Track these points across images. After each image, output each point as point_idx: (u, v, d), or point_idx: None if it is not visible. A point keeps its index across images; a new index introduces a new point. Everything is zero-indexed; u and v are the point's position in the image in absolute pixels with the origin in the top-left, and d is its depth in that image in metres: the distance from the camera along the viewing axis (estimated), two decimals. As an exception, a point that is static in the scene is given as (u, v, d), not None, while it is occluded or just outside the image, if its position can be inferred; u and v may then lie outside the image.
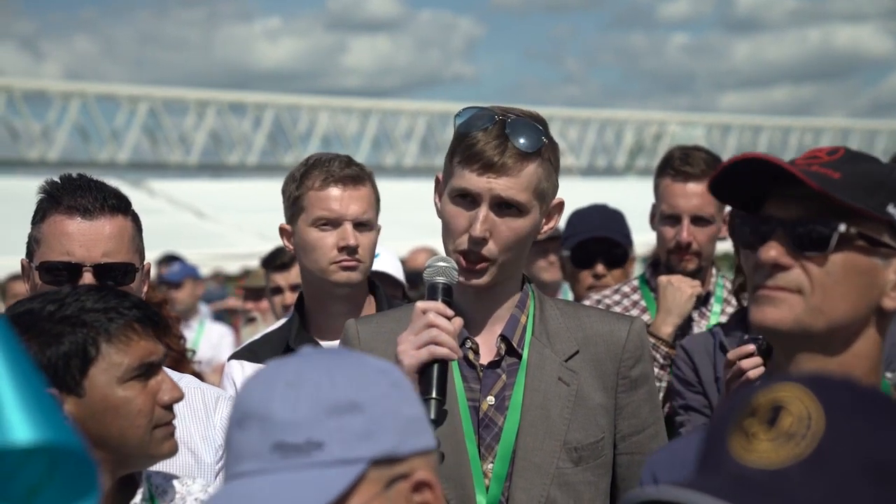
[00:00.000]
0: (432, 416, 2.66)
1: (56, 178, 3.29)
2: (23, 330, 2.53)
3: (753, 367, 3.30)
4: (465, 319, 2.87)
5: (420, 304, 2.78)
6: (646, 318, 4.58)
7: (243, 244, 17.33)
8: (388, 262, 4.92)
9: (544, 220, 2.97)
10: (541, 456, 2.89)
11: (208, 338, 9.59)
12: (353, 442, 1.54)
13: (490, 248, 2.88)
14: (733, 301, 4.54)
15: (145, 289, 3.30)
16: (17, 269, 3.41)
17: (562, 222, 5.52)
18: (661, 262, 4.69)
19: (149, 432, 2.58)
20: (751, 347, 3.35)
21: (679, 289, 4.48)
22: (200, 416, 3.26)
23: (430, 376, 2.71)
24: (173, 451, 2.65)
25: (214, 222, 19.54)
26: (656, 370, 4.28)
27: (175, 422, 2.66)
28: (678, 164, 4.60)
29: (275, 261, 6.49)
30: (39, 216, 3.27)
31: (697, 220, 4.58)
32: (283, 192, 4.07)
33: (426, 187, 3.05)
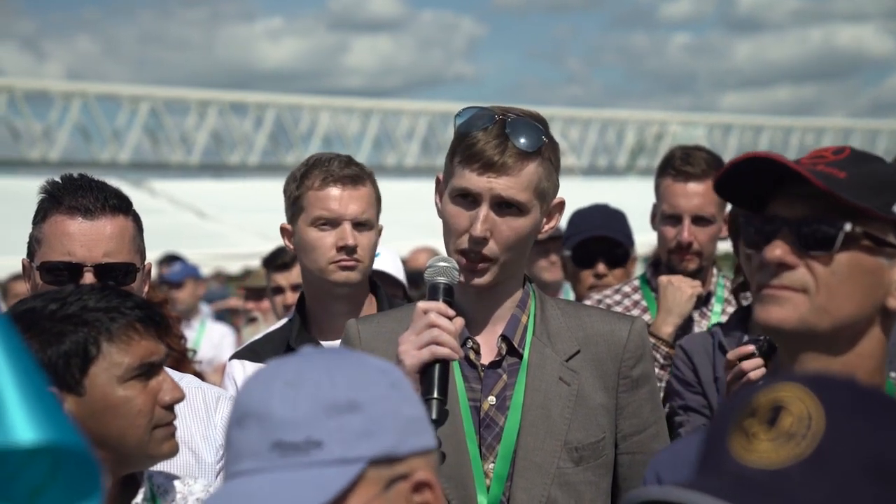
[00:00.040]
0: (434, 417, 2.66)
1: (57, 178, 3.29)
2: (24, 328, 2.53)
3: (755, 368, 3.30)
4: (466, 319, 2.87)
5: (421, 305, 2.78)
6: (647, 317, 4.58)
7: (244, 244, 17.31)
8: (388, 261, 4.92)
9: (545, 220, 2.97)
10: (542, 456, 2.89)
11: (209, 338, 9.60)
12: (353, 441, 1.54)
13: (491, 248, 2.88)
14: (734, 301, 4.54)
15: (146, 289, 3.30)
16: (19, 268, 3.41)
17: (563, 222, 5.52)
18: (662, 262, 4.69)
19: (148, 432, 2.58)
20: (750, 348, 3.35)
21: (679, 289, 4.48)
22: (201, 416, 3.26)
23: (431, 376, 2.71)
24: (174, 452, 2.64)
25: (216, 222, 19.53)
26: (657, 370, 4.28)
27: (176, 422, 2.66)
28: (679, 163, 4.60)
29: (276, 261, 6.49)
30: (40, 216, 3.27)
31: (698, 220, 4.58)
32: (285, 191, 4.08)
33: (427, 187, 3.05)
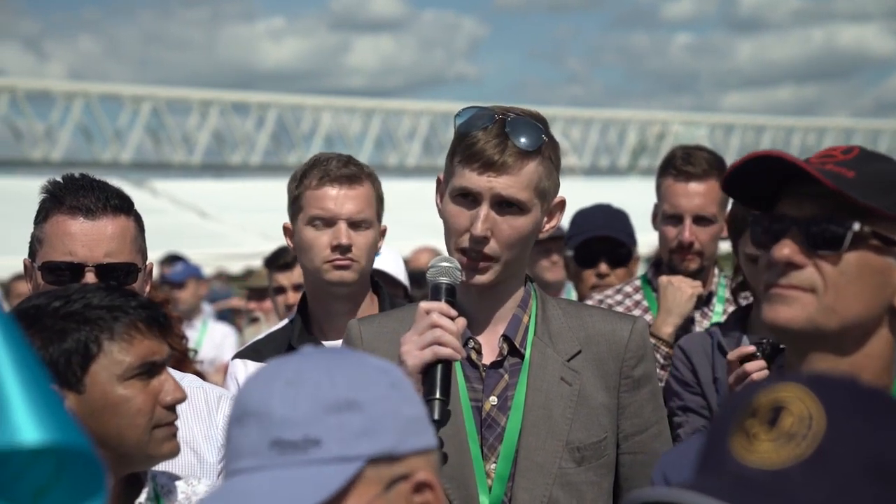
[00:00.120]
0: (436, 417, 2.66)
1: (58, 178, 3.30)
2: (28, 325, 2.54)
3: (758, 370, 3.29)
4: (468, 319, 2.87)
5: (423, 305, 2.79)
6: (648, 317, 4.58)
7: (246, 244, 17.32)
8: (389, 261, 4.92)
9: (546, 219, 2.97)
10: (543, 456, 2.89)
11: (211, 337, 9.60)
12: (352, 440, 1.54)
13: (492, 247, 2.88)
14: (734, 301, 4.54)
15: (147, 289, 3.31)
16: (21, 268, 3.41)
17: (566, 222, 5.52)
18: (664, 262, 4.69)
19: (148, 432, 2.58)
20: (751, 348, 3.35)
21: (679, 289, 4.48)
22: (203, 416, 3.26)
23: (433, 377, 2.71)
24: (174, 452, 2.64)
25: (217, 222, 19.53)
26: (657, 370, 4.28)
27: (178, 422, 2.66)
28: (680, 163, 4.60)
29: (278, 260, 6.49)
30: (42, 216, 3.27)
31: (699, 220, 4.58)
32: (287, 191, 4.09)
33: (429, 187, 3.05)
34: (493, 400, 2.93)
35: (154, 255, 3.53)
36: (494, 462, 2.90)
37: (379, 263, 4.37)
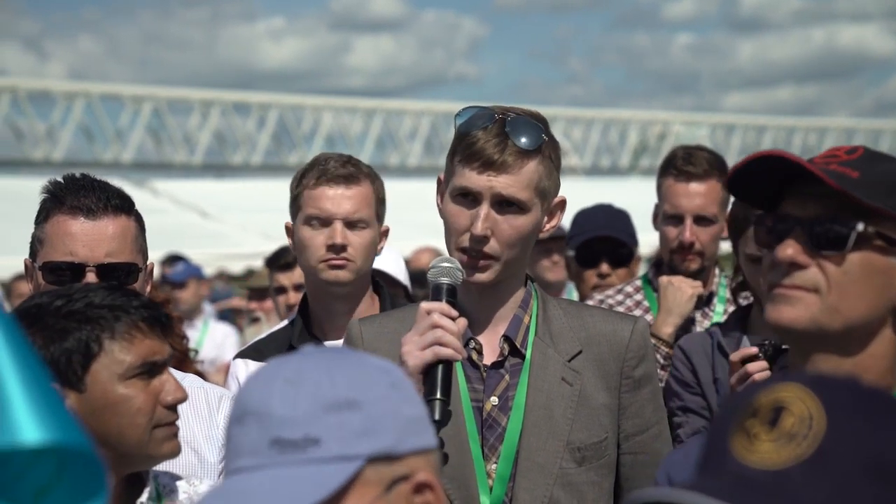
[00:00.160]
0: (437, 417, 2.66)
1: (59, 178, 3.30)
2: (30, 323, 2.54)
3: (759, 370, 3.29)
4: (469, 319, 2.87)
5: (424, 305, 2.79)
6: (649, 318, 4.58)
7: (247, 244, 17.31)
8: (389, 261, 4.91)
9: (546, 219, 2.97)
10: (544, 456, 2.89)
11: (212, 337, 9.60)
12: (351, 439, 1.54)
13: (492, 246, 2.88)
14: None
15: (148, 289, 3.31)
16: (22, 268, 3.42)
17: (567, 222, 5.53)
18: (665, 263, 4.69)
19: (148, 432, 2.58)
20: (753, 349, 3.35)
21: (679, 289, 4.48)
22: (204, 416, 3.26)
23: (434, 377, 2.71)
24: (175, 452, 2.64)
25: (218, 222, 19.52)
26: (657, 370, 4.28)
27: (178, 422, 2.66)
28: (681, 163, 4.60)
29: (278, 260, 6.48)
30: (43, 216, 3.27)
31: (700, 220, 4.58)
32: (289, 190, 4.10)
33: (430, 187, 3.05)
34: (494, 400, 2.93)
35: (155, 255, 3.53)
36: (495, 462, 2.90)
37: (379, 263, 4.37)
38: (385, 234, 4.09)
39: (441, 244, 3.07)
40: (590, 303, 4.66)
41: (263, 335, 4.28)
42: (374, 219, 4.00)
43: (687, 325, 4.54)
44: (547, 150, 2.91)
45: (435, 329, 2.73)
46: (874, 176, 2.07)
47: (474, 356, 2.94)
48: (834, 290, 2.05)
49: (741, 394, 1.49)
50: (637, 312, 4.65)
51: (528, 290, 3.02)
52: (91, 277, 3.16)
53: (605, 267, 5.39)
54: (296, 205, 4.03)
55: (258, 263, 12.06)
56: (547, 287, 5.17)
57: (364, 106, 42.52)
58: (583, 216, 5.56)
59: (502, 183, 2.85)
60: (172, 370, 2.75)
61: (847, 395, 1.44)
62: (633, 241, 5.52)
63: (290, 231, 4.11)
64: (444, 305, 2.78)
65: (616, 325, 3.01)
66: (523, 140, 2.86)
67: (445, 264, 2.84)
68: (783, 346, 3.28)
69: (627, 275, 5.39)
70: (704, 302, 4.65)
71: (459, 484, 2.87)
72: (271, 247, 7.26)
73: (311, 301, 4.08)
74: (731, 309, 4.52)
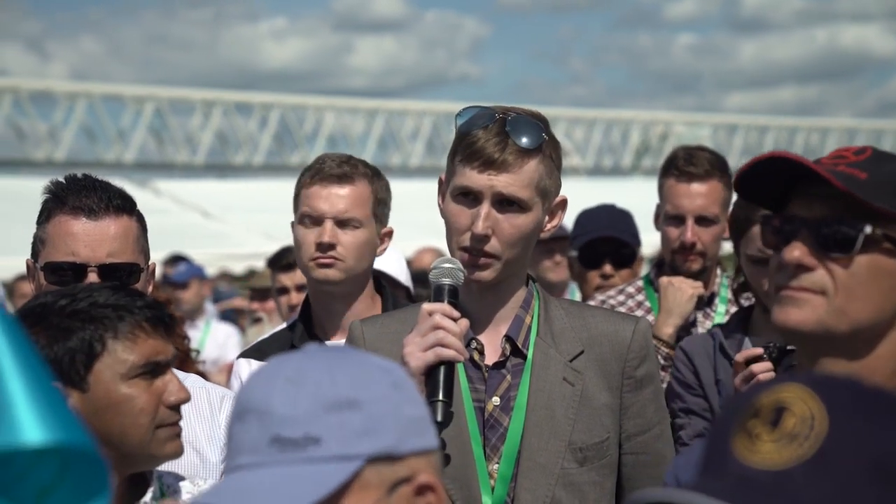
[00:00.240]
0: (439, 419, 2.66)
1: (61, 179, 3.30)
2: (33, 322, 2.55)
3: (764, 371, 3.29)
4: (470, 320, 2.87)
5: (426, 306, 2.79)
6: (650, 318, 4.58)
7: (249, 244, 17.33)
8: (390, 261, 4.90)
9: (547, 218, 2.98)
10: (546, 456, 2.89)
11: (214, 337, 9.60)
12: (351, 439, 1.54)
13: (493, 245, 2.88)
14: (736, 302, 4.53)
15: (150, 289, 3.31)
16: (24, 269, 3.42)
17: (570, 223, 5.52)
18: (666, 263, 4.69)
19: (150, 432, 2.58)
20: (758, 350, 3.35)
21: (680, 289, 4.48)
22: (205, 416, 3.26)
23: (436, 378, 2.71)
24: (178, 453, 2.64)
25: (220, 222, 19.53)
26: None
27: (181, 422, 2.66)
28: (682, 164, 4.60)
29: (280, 261, 6.48)
30: (44, 216, 3.27)
31: (701, 221, 4.57)
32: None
33: (432, 187, 3.05)
34: (496, 400, 2.93)
35: (157, 255, 3.53)
36: (497, 463, 2.90)
37: (380, 264, 4.36)
38: (388, 235, 4.07)
39: (443, 244, 3.07)
40: (591, 303, 4.66)
41: (266, 335, 4.28)
42: (369, 219, 3.98)
43: (688, 325, 4.54)
44: (547, 149, 2.91)
45: (437, 330, 2.73)
46: (882, 177, 2.06)
47: (476, 356, 2.94)
48: (841, 292, 2.05)
49: (743, 394, 1.49)
50: (639, 313, 4.65)
51: (529, 290, 3.02)
52: (93, 278, 3.16)
53: (608, 268, 5.39)
54: (295, 204, 4.04)
55: (260, 264, 12.06)
56: (549, 288, 5.16)
57: (366, 106, 42.53)
58: (586, 217, 5.56)
59: (503, 182, 2.85)
60: (175, 371, 2.75)
61: (849, 396, 1.43)
62: (636, 241, 5.51)
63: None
64: (445, 306, 2.78)
65: (618, 325, 3.01)
66: (524, 139, 2.86)
67: (447, 265, 2.84)
68: (788, 348, 3.28)
69: (630, 275, 5.38)
70: (706, 302, 4.65)
71: (461, 484, 2.87)
72: (273, 247, 7.26)
73: (312, 301, 4.08)
74: (733, 309, 4.52)
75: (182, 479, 2.77)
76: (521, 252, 2.93)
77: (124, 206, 3.25)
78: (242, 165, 38.38)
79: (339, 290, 3.96)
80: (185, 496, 2.72)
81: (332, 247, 3.90)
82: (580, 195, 5.05)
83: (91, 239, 3.19)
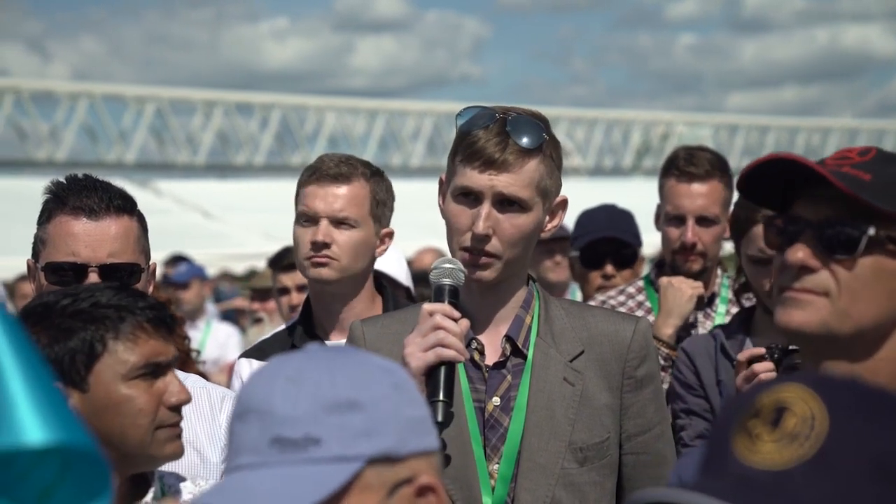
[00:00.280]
0: (440, 419, 2.67)
1: (62, 179, 3.30)
2: (35, 322, 2.55)
3: (766, 371, 3.29)
4: (471, 320, 2.87)
5: (427, 307, 2.79)
6: (651, 318, 4.58)
7: (250, 244, 17.33)
8: (390, 261, 4.90)
9: (548, 218, 2.98)
10: (546, 456, 2.89)
11: (215, 337, 9.61)
12: (352, 439, 1.54)
13: (494, 245, 2.88)
14: (737, 302, 4.53)
15: (151, 289, 3.31)
16: (25, 269, 3.42)
17: (571, 223, 5.52)
18: (667, 263, 4.69)
19: (150, 432, 2.58)
20: (760, 350, 3.35)
21: (679, 290, 4.48)
22: (206, 416, 3.26)
23: (437, 378, 2.71)
24: (178, 454, 2.64)
25: (221, 222, 19.54)
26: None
27: (182, 423, 2.66)
28: (683, 164, 4.60)
29: (281, 261, 6.48)
30: (45, 217, 3.28)
31: (702, 221, 4.58)
32: None
33: (433, 187, 3.05)
34: (496, 401, 2.93)
35: (158, 255, 3.53)
36: (497, 463, 2.90)
37: (380, 264, 4.36)
38: (388, 236, 4.06)
39: (443, 244, 3.07)
40: (591, 303, 4.66)
41: (267, 335, 4.28)
42: (366, 218, 3.96)
43: (689, 326, 4.54)
44: (548, 149, 2.91)
45: (437, 331, 2.73)
46: (886, 178, 2.06)
47: (476, 356, 2.94)
48: (844, 293, 2.04)
49: (743, 394, 1.49)
50: (639, 313, 4.65)
51: (529, 290, 3.02)
52: (93, 278, 3.17)
53: (609, 268, 5.39)
54: (295, 203, 4.05)
55: (261, 264, 12.07)
56: (550, 288, 5.16)
57: (367, 106, 42.50)
58: (587, 217, 5.56)
59: (503, 182, 2.86)
60: (176, 371, 2.75)
61: (849, 396, 1.43)
62: (637, 241, 5.51)
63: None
64: (446, 307, 2.78)
65: (618, 325, 3.01)
66: (524, 139, 2.86)
67: (447, 265, 2.84)
68: (790, 348, 3.28)
69: (632, 276, 5.38)
70: (706, 303, 4.65)
71: (462, 484, 2.87)
72: (274, 247, 7.25)
73: (312, 301, 4.08)
74: (734, 310, 4.52)
75: (183, 479, 2.77)
76: (521, 252, 2.93)
77: (125, 206, 3.25)
78: (243, 166, 38.37)
79: (335, 289, 3.95)
80: (186, 496, 2.72)
81: (326, 246, 3.90)
82: (581, 195, 5.06)
83: (92, 239, 3.19)
